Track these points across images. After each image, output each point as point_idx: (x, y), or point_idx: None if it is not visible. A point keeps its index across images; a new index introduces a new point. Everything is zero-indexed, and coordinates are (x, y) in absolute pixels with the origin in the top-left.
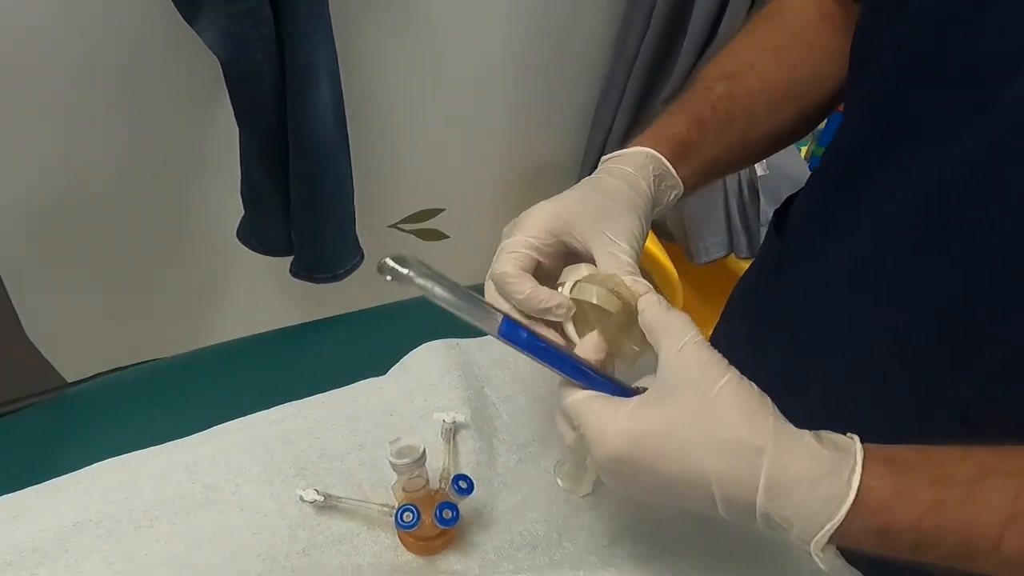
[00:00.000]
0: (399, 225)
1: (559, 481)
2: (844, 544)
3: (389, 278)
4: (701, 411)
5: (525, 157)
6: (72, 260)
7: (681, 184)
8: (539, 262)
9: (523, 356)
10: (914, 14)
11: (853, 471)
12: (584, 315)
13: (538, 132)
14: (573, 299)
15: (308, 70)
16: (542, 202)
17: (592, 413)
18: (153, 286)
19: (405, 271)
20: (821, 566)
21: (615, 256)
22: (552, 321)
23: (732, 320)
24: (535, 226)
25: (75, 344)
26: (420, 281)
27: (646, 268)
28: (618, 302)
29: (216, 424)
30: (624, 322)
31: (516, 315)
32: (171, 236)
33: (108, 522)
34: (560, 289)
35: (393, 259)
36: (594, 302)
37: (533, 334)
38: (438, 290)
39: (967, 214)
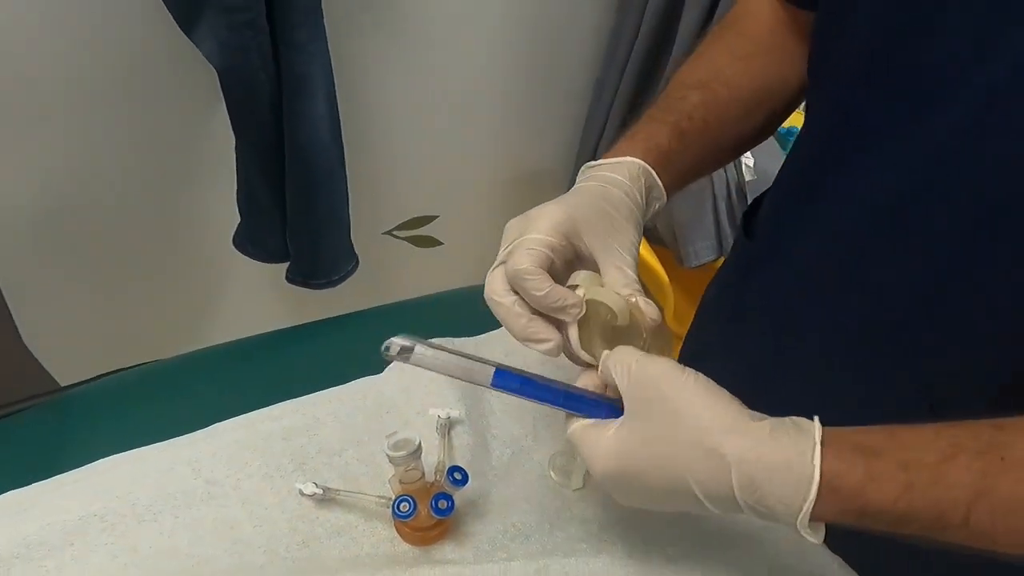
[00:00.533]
0: (393, 232)
1: (552, 475)
2: (830, 521)
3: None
4: (669, 421)
5: (518, 163)
6: (69, 266)
7: (665, 195)
8: (553, 261)
9: (516, 354)
10: (866, 20)
11: (814, 451)
12: (586, 320)
13: (531, 139)
14: (587, 302)
15: (304, 79)
16: (550, 203)
17: (584, 441)
18: (150, 293)
19: (411, 348)
20: (813, 540)
21: (624, 272)
22: (554, 319)
23: (705, 320)
24: (549, 226)
25: (71, 350)
26: (421, 355)
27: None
28: (629, 317)
29: (221, 421)
30: (624, 334)
31: (518, 309)
32: (168, 243)
33: (112, 516)
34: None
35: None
36: (614, 310)
37: (524, 377)
38: (438, 362)
39: (921, 212)
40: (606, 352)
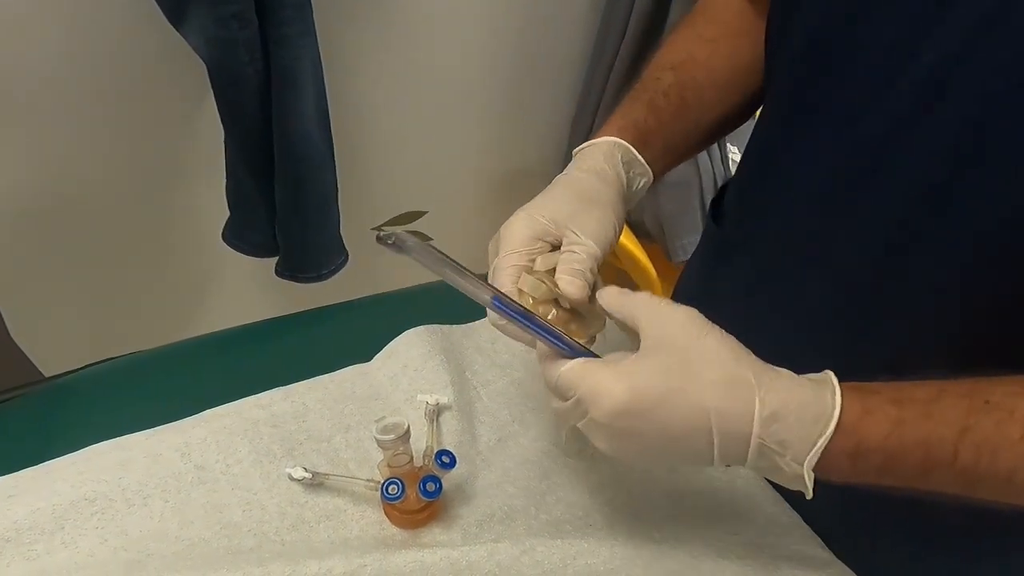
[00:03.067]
0: (383, 227)
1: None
2: (823, 472)
3: (391, 242)
4: (692, 357)
5: (508, 159)
6: (56, 260)
7: (649, 170)
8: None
9: (502, 342)
10: (811, 6)
11: (834, 392)
12: (537, 309)
13: (521, 134)
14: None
15: (293, 73)
16: (517, 211)
17: (590, 374)
18: (138, 287)
19: (406, 240)
20: (808, 486)
21: (571, 252)
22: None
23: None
24: (515, 239)
25: (58, 343)
26: (419, 251)
27: (624, 268)
28: (544, 288)
29: (211, 407)
30: (569, 316)
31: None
32: (156, 237)
33: (103, 500)
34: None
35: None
36: (525, 290)
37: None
38: (436, 259)
39: (869, 193)
40: (619, 292)
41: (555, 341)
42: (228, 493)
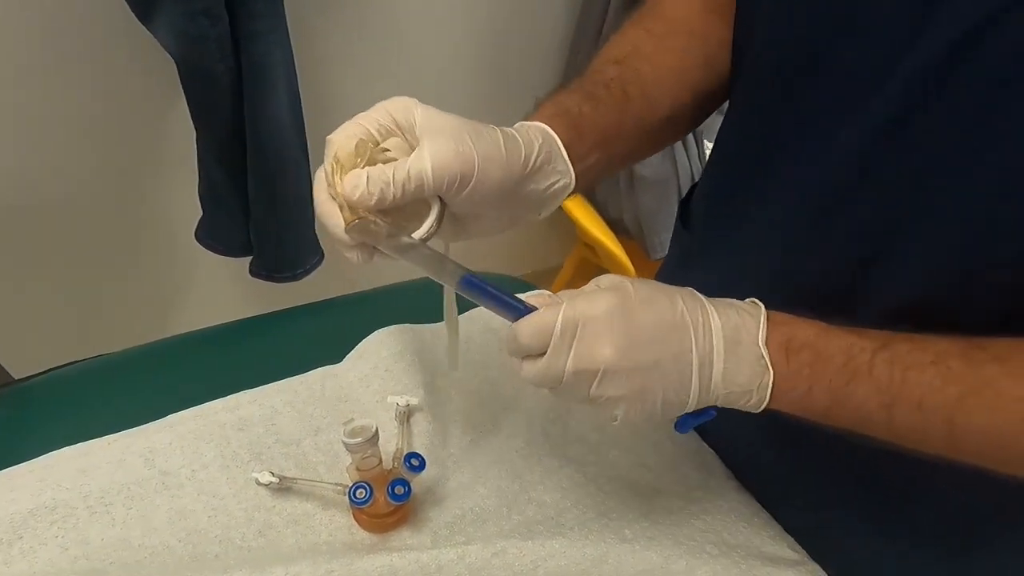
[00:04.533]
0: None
1: None
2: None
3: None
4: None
5: None
6: (23, 260)
7: (571, 172)
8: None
9: (475, 342)
10: (792, 11)
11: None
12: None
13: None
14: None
15: (264, 70)
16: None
17: (570, 300)
18: (110, 288)
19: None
20: (767, 359)
21: (391, 167)
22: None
23: None
24: (370, 116)
25: (27, 344)
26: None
27: (603, 265)
28: (353, 159)
29: (177, 411)
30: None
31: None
32: (128, 237)
33: (63, 508)
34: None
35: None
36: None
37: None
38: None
39: (848, 205)
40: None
41: (515, 304)
42: (193, 499)
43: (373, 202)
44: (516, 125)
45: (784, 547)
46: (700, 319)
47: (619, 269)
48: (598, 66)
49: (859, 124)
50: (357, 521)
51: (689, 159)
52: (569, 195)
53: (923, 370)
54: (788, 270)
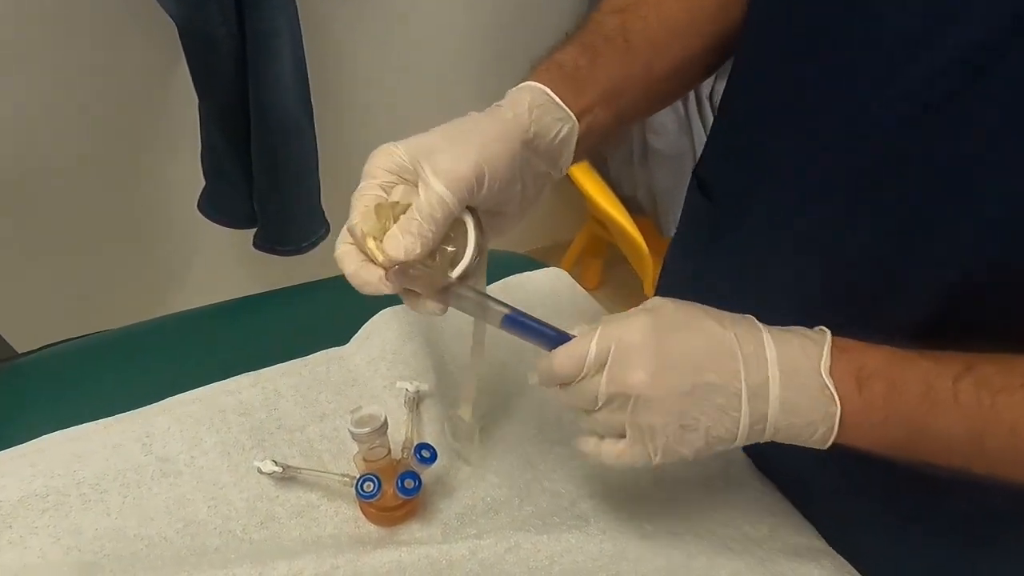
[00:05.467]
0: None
1: (448, 434)
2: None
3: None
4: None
5: None
6: (22, 234)
7: (572, 116)
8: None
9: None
10: None
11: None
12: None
13: None
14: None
15: (269, 36)
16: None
17: (607, 331)
18: (111, 259)
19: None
20: (833, 392)
21: (416, 204)
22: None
23: (670, 288)
24: (372, 170)
25: (27, 319)
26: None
27: (616, 243)
28: (377, 225)
29: (176, 394)
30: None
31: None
32: (130, 208)
33: (55, 496)
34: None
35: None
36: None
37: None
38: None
39: (880, 182)
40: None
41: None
42: (192, 488)
43: (419, 250)
44: (507, 93)
45: (809, 536)
46: (752, 346)
47: (630, 245)
48: (598, 17)
49: (898, 95)
50: (364, 514)
51: (707, 132)
52: (578, 152)
53: (1013, 393)
54: (817, 246)
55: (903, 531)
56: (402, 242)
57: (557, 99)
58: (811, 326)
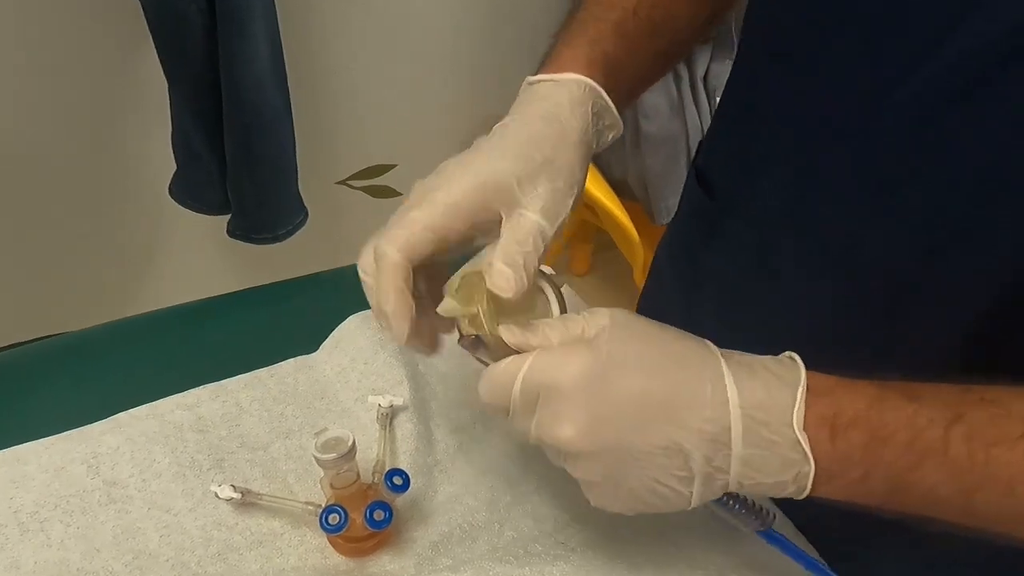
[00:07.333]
0: (348, 182)
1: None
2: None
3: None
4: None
5: (480, 110)
6: None
7: (620, 122)
8: (441, 240)
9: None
10: None
11: (794, 358)
12: (470, 298)
13: (493, 84)
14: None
15: (241, 14)
16: (465, 162)
17: (535, 368)
18: (80, 249)
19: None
20: (805, 448)
21: (510, 242)
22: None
23: (661, 283)
24: (444, 204)
25: None
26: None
27: (605, 230)
28: (472, 304)
29: (128, 408)
30: (503, 309)
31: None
32: (98, 194)
33: None
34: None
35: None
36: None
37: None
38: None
39: (900, 178)
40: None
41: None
42: (143, 515)
43: (526, 285)
44: (560, 80)
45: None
46: (709, 389)
47: (620, 232)
48: None
49: (924, 81)
50: (331, 543)
51: (700, 117)
52: None
53: (1012, 447)
54: (845, 243)
55: (907, 551)
56: (511, 276)
57: (612, 105)
58: (815, 337)
